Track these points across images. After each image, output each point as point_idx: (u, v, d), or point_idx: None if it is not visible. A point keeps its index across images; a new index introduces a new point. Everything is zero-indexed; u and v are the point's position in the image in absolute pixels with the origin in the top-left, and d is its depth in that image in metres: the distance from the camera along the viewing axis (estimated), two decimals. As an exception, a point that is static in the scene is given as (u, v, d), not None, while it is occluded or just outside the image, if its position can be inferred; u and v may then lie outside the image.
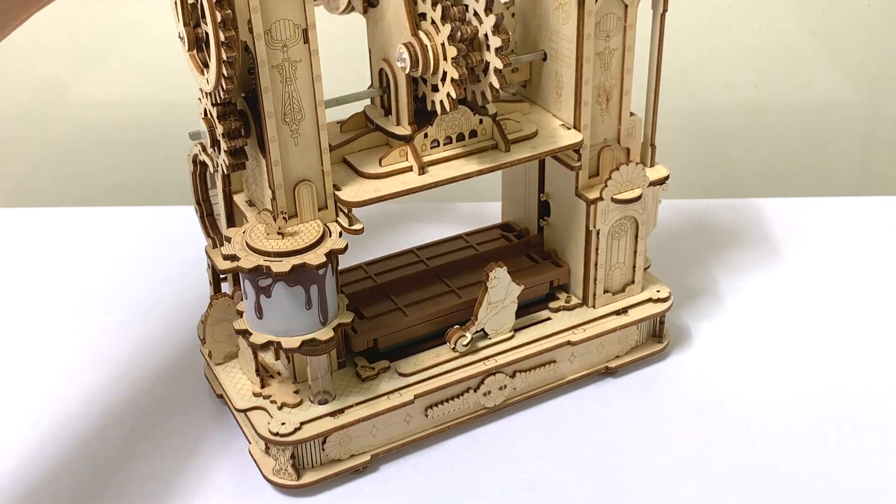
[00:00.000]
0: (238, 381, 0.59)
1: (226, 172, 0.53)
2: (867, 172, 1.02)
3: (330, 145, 0.57)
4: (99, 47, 0.91)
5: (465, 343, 0.60)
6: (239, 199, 0.57)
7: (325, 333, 0.53)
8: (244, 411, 0.57)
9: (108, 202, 0.95)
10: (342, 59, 0.71)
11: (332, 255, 0.52)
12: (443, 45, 0.51)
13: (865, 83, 0.98)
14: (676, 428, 0.62)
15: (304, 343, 0.53)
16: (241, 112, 0.52)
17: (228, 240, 0.53)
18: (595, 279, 0.63)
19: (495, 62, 0.52)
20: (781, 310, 0.73)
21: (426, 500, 0.57)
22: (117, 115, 0.94)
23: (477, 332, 0.61)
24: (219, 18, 0.46)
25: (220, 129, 0.51)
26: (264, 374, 0.58)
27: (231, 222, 0.58)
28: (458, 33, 0.51)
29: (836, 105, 0.98)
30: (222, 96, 0.49)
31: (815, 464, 0.59)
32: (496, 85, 0.53)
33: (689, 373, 0.67)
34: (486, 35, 0.52)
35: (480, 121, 0.57)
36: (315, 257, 0.51)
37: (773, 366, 0.67)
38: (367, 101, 0.58)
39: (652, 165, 0.64)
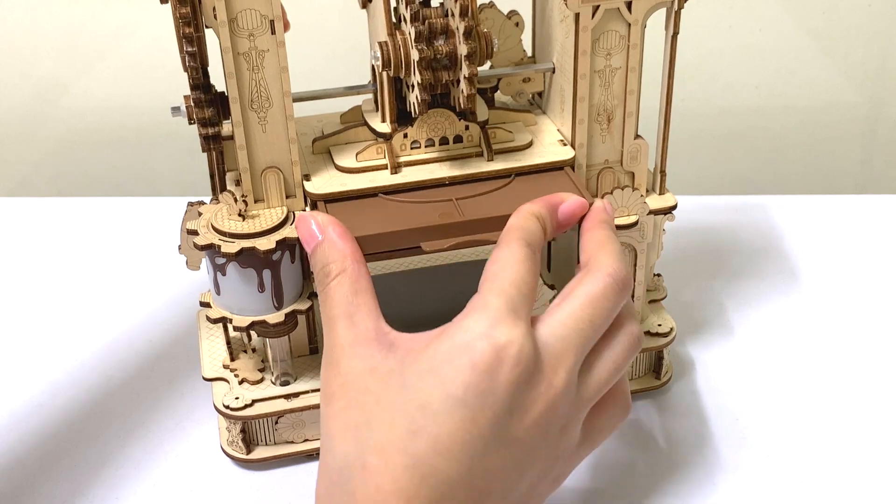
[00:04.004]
0: (215, 350, 0.61)
1: (202, 151, 0.55)
2: (868, 171, 1.01)
3: (318, 136, 0.58)
4: (99, 47, 0.95)
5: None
6: (229, 178, 0.59)
7: (275, 317, 0.55)
8: (209, 380, 0.59)
9: (107, 193, 1.00)
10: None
11: (286, 243, 0.53)
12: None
13: (865, 83, 0.97)
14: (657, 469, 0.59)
15: (253, 323, 0.55)
16: (220, 94, 0.53)
17: (200, 214, 0.55)
18: (585, 302, 0.61)
19: (464, 70, 0.51)
20: (781, 310, 0.73)
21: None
22: (117, 115, 0.98)
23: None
24: (178, 15, 0.48)
25: (195, 115, 0.53)
26: (237, 347, 0.60)
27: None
28: (424, 36, 0.50)
29: (837, 105, 0.98)
30: (191, 84, 0.51)
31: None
32: (466, 92, 0.52)
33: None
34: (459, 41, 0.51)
35: (466, 126, 0.56)
36: (265, 242, 0.52)
37: (769, 370, 0.67)
38: (363, 96, 0.59)
39: (661, 193, 0.61)
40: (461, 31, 0.50)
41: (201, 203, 0.56)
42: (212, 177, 0.63)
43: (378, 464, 0.41)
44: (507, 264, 0.45)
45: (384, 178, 0.55)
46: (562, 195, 0.50)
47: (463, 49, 0.50)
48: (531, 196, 0.50)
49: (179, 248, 0.59)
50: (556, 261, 0.65)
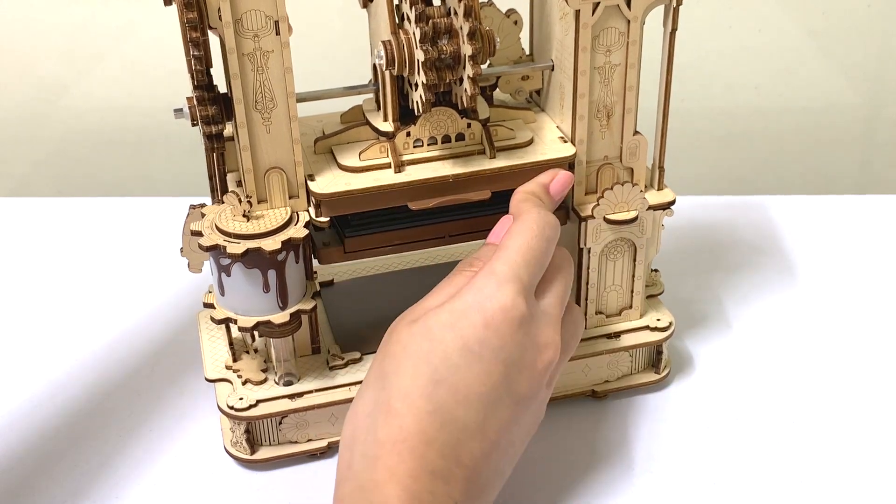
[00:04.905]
0: (217, 352, 0.61)
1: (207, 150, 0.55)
2: (867, 172, 1.02)
3: (320, 136, 0.58)
4: (99, 47, 0.95)
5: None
6: (230, 179, 0.59)
7: (281, 317, 0.55)
8: (212, 381, 0.59)
9: (107, 193, 0.99)
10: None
11: (291, 244, 0.53)
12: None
13: (865, 83, 0.97)
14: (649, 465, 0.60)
15: (258, 324, 0.55)
16: (223, 95, 0.53)
17: (203, 215, 0.55)
18: (587, 298, 0.62)
19: (467, 70, 0.51)
20: (779, 307, 0.73)
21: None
22: (117, 116, 0.98)
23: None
24: (185, 19, 0.48)
25: (198, 114, 0.53)
26: (239, 348, 0.60)
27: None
28: (429, 37, 0.50)
29: (837, 105, 0.98)
30: (195, 85, 0.51)
31: None
32: (469, 91, 0.52)
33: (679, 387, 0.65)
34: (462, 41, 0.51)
35: (468, 124, 0.56)
36: (271, 243, 0.52)
37: (767, 366, 0.67)
38: (364, 96, 0.59)
39: (660, 188, 0.61)
40: (465, 31, 0.50)
41: (203, 206, 0.56)
42: (210, 178, 0.63)
43: (402, 407, 0.45)
44: (516, 236, 0.50)
45: (388, 177, 0.55)
46: (549, 173, 0.56)
47: (467, 49, 0.51)
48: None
49: (181, 251, 0.59)
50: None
